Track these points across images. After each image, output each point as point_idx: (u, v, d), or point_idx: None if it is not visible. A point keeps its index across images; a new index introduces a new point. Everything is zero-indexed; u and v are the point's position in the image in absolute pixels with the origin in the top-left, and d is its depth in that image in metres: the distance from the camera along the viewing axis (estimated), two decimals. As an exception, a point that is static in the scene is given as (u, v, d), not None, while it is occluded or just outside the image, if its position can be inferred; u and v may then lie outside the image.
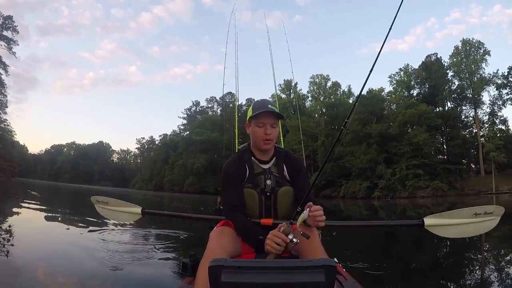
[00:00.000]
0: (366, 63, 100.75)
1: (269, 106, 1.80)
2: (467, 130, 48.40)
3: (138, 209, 2.62)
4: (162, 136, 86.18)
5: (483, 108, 48.54)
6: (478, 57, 47.68)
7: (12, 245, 4.73)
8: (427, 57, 51.07)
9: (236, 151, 2.03)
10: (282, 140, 1.72)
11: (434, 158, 40.94)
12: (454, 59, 49.08)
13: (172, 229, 7.28)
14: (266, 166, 1.85)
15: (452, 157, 42.22)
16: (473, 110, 48.32)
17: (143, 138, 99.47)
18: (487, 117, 49.01)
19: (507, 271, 4.06)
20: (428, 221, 1.98)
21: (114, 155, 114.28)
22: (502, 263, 4.52)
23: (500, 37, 79.98)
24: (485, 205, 2.07)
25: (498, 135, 45.34)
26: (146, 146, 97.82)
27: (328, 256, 1.50)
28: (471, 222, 1.97)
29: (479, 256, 4.81)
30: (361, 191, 39.81)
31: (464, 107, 49.12)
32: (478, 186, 39.46)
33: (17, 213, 9.50)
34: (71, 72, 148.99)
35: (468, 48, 48.52)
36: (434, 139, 42.36)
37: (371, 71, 1.76)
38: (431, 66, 48.54)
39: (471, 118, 48.95)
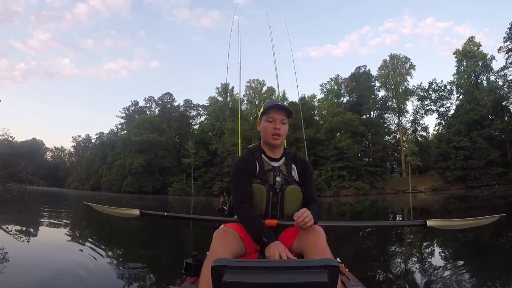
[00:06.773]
0: (300, 67, 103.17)
1: (279, 103, 1.88)
2: (392, 136, 53.47)
3: (136, 211, 2.64)
4: (99, 135, 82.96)
5: (407, 116, 54.24)
6: (404, 70, 52.80)
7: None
8: (356, 68, 55.71)
9: (240, 152, 2.22)
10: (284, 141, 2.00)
11: (357, 161, 44.94)
12: (382, 71, 53.90)
13: (173, 229, 7.31)
14: (275, 164, 1.88)
15: (374, 160, 46.71)
16: (398, 118, 53.34)
17: (79, 136, 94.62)
18: (410, 124, 54.64)
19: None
20: (430, 222, 2.05)
21: (48, 153, 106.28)
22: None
23: (431, 48, 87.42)
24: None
25: (420, 140, 50.52)
26: (82, 145, 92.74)
27: (333, 256, 1.52)
28: (472, 222, 2.13)
29: (490, 262, 4.54)
30: (290, 190, 42.08)
31: (389, 115, 54.22)
32: (398, 186, 44.35)
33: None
34: (1, 62, 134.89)
35: (395, 62, 53.57)
36: (358, 144, 46.51)
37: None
38: (359, 77, 52.77)
39: (395, 125, 53.95)
